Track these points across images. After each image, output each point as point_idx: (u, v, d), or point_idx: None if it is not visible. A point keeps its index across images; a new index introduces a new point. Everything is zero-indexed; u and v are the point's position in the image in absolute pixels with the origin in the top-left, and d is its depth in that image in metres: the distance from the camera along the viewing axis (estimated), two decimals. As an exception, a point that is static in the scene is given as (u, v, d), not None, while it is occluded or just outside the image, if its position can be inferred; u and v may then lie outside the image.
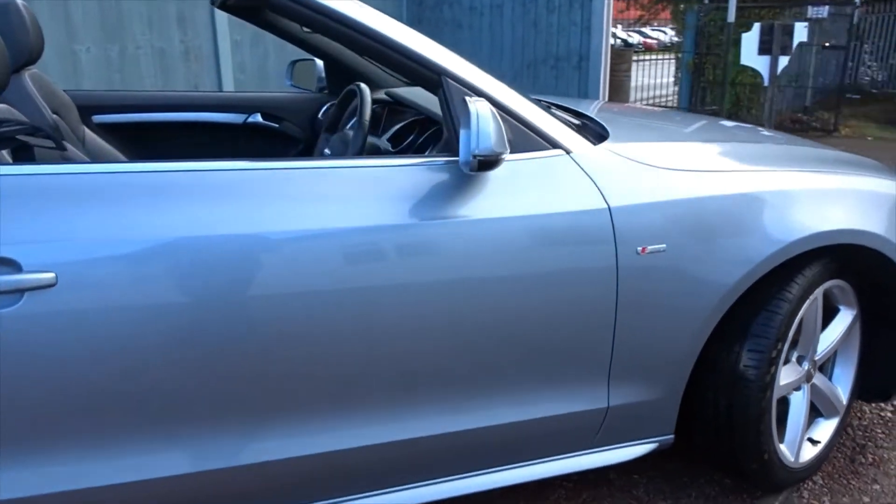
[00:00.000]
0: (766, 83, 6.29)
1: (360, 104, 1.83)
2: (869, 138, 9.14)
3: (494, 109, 1.41)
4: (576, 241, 1.55)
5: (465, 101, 1.43)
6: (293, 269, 1.35)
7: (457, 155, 1.47)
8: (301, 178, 1.40)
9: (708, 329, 1.69)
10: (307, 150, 2.86)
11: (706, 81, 9.79)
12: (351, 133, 1.94)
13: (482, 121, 1.34)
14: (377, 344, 1.43)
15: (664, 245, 1.61)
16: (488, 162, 1.37)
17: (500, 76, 1.62)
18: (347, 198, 1.40)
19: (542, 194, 1.53)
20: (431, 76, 1.53)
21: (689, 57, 9.80)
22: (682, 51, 10.04)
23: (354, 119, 2.12)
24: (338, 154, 1.88)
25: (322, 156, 1.92)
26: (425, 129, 2.00)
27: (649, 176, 1.64)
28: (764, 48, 6.05)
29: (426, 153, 1.81)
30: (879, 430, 2.27)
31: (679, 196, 1.63)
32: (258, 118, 2.79)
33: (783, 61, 6.12)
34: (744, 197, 1.68)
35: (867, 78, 13.24)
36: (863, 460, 2.12)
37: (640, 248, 1.59)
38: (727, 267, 1.66)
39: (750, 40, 6.14)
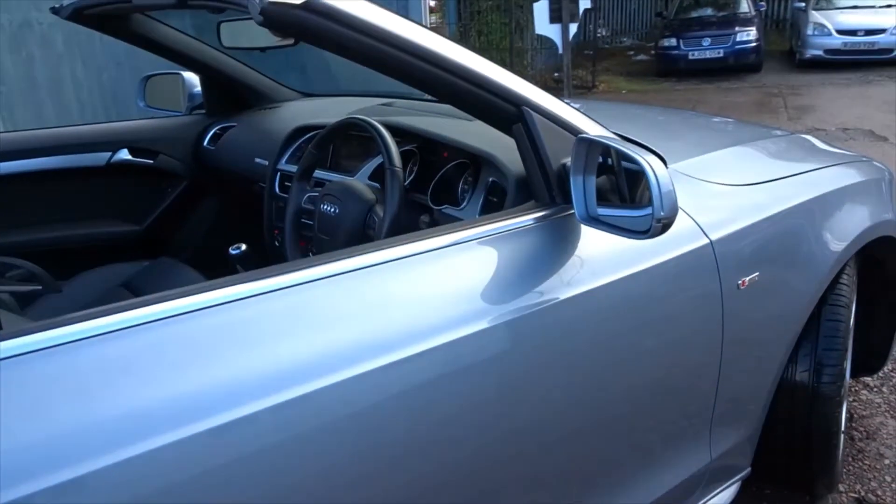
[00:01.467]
0: (560, 50, 6.46)
1: (384, 146, 1.42)
2: (624, 91, 9.94)
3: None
4: (686, 287, 1.36)
5: (595, 143, 1.14)
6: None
7: (552, 205, 1.21)
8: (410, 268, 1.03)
9: (788, 351, 1.59)
10: (193, 187, 2.30)
11: (472, 49, 9.94)
12: (362, 183, 1.51)
13: (662, 177, 1.05)
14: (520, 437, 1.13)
15: (758, 273, 1.45)
16: (668, 224, 1.09)
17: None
18: (466, 289, 1.07)
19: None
20: (508, 108, 1.20)
21: (454, 28, 9.88)
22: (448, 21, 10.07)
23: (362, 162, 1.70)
24: (356, 212, 1.45)
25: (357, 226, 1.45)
26: (427, 164, 1.62)
27: (729, 197, 1.49)
28: (554, 17, 6.20)
29: (468, 199, 1.46)
30: (850, 398, 2.36)
31: (761, 216, 1.49)
32: (125, 155, 2.17)
33: (573, 28, 6.32)
34: (810, 203, 1.59)
35: (597, 35, 14.41)
36: (858, 435, 2.17)
37: (739, 282, 1.42)
38: (804, 282, 1.58)
39: (541, 10, 6.24)
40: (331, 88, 2.28)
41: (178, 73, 2.35)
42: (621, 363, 1.25)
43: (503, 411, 1.08)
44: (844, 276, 1.71)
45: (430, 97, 2.24)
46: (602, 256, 1.23)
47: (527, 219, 1.18)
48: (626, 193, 1.20)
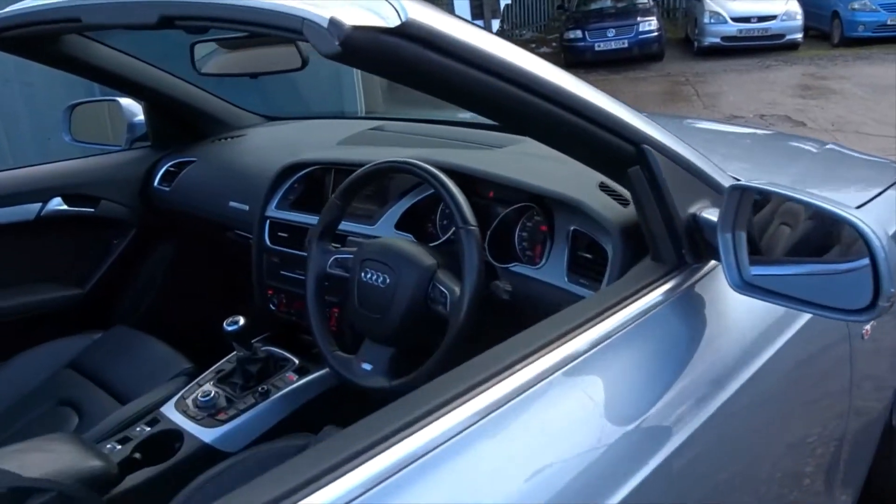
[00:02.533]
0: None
1: (452, 200, 1.12)
2: (535, 86, 9.87)
3: None
4: (825, 346, 1.18)
5: (749, 191, 0.90)
6: None
7: (681, 266, 0.97)
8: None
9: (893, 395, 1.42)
10: (144, 237, 1.92)
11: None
12: (414, 244, 1.21)
13: (885, 239, 0.81)
14: None
15: None
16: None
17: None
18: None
19: None
20: (626, 148, 0.95)
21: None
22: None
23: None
24: (415, 283, 1.13)
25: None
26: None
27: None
28: (476, 13, 6.01)
29: (547, 255, 1.18)
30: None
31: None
32: (59, 205, 1.77)
33: (495, 24, 6.14)
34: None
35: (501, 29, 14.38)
36: None
37: (863, 332, 1.23)
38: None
39: (462, 5, 6.04)
40: (293, 104, 1.94)
41: (114, 100, 1.95)
42: (783, 445, 1.10)
43: None
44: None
45: (418, 118, 1.96)
46: (750, 325, 1.01)
47: (658, 293, 0.93)
48: (757, 242, 0.98)
